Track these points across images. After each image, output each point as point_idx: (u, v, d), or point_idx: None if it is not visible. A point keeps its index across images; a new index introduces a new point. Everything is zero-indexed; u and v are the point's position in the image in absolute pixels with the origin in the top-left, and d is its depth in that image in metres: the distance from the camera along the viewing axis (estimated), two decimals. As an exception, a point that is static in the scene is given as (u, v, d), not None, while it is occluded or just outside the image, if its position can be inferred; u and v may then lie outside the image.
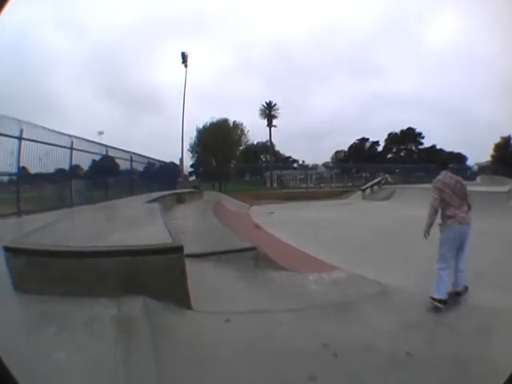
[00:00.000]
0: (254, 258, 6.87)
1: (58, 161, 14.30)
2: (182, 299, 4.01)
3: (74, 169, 15.93)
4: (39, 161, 13.12)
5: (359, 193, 30.26)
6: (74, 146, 15.02)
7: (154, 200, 12.47)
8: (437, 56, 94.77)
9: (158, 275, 4.02)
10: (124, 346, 2.90)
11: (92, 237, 5.04)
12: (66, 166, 15.02)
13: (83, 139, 16.14)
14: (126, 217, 8.70)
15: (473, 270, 5.55)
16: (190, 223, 10.82)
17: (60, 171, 14.91)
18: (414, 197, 19.86)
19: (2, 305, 3.71)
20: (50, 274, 3.89)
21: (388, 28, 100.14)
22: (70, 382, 2.51)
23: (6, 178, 13.61)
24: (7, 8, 2.12)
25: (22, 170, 12.39)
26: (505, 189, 17.85)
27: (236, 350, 3.29)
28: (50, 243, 4.52)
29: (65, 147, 14.50)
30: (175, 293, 4.03)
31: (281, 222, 15.17)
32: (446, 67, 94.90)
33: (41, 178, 14.12)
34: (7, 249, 4.11)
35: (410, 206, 17.22)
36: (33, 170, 13.15)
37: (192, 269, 4.98)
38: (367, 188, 31.00)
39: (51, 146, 13.48)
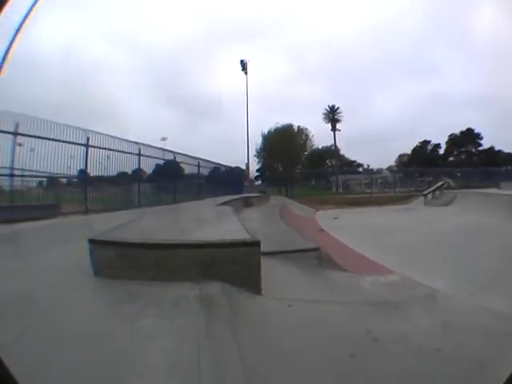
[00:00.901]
0: (317, 258, 7.48)
1: (122, 165, 15.49)
2: (254, 286, 4.75)
3: (139, 173, 17.07)
4: (101, 163, 14.34)
5: (422, 198, 29.68)
6: (141, 153, 16.21)
7: (223, 203, 13.20)
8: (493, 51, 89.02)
9: (236, 265, 4.81)
10: (205, 316, 3.75)
11: (175, 233, 5.93)
12: (130, 170, 16.23)
13: (150, 146, 17.31)
14: (201, 217, 9.60)
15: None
16: (259, 225, 11.50)
17: (123, 174, 16.09)
18: (475, 203, 19.50)
19: (87, 288, 4.65)
20: (139, 262, 4.80)
21: (442, 24, 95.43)
22: (154, 343, 3.19)
23: (71, 180, 15.04)
24: (7, 8, 2.29)
25: (85, 174, 13.62)
26: None
27: (293, 328, 3.98)
28: (139, 237, 5.51)
29: (132, 153, 15.71)
30: (249, 280, 4.78)
31: (345, 226, 15.45)
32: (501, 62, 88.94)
33: (103, 180, 15.38)
34: (93, 241, 5.05)
35: (470, 213, 16.98)
36: (95, 173, 14.40)
37: (262, 264, 5.78)
38: (429, 193, 30.32)
39: (117, 152, 14.75)
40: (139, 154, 16.19)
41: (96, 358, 2.86)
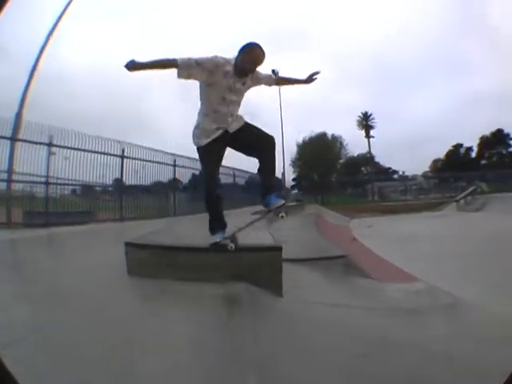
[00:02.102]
0: (344, 265, 7.62)
1: (157, 175, 15.97)
2: (276, 288, 5.00)
3: (174, 182, 17.49)
4: (137, 173, 14.89)
5: (454, 204, 29.38)
6: (176, 163, 16.70)
7: (257, 212, 13.33)
8: None
9: (260, 269, 5.12)
10: (228, 311, 4.16)
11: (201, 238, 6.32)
12: (165, 179, 16.73)
13: (185, 156, 17.81)
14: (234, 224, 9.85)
15: None
16: (292, 233, 11.70)
17: (159, 184, 16.57)
18: (506, 207, 19.58)
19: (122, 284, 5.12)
20: (168, 264, 5.20)
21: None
22: (180, 329, 3.57)
23: (107, 189, 15.66)
24: (7, 8, 2.32)
25: (120, 182, 14.21)
26: None
27: (309, 327, 4.22)
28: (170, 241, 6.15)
29: (168, 164, 16.22)
30: (272, 283, 5.04)
31: (378, 235, 15.59)
32: None
33: (139, 189, 15.89)
34: (128, 244, 5.50)
35: (501, 218, 17.22)
36: (131, 182, 15.00)
37: (288, 270, 6.03)
38: (461, 199, 29.93)
39: (154, 163, 15.32)
40: (174, 165, 16.70)
41: (125, 339, 3.24)
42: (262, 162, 4.90)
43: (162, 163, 16.35)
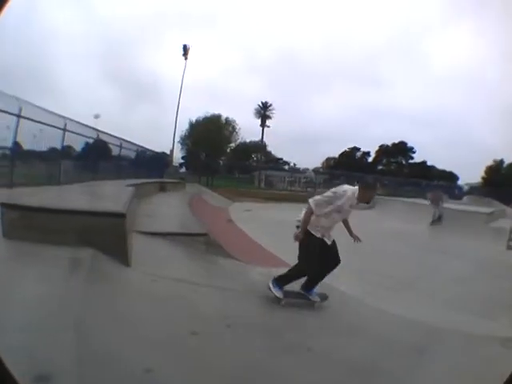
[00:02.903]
0: (207, 243, 7.39)
1: (51, 140, 14.64)
2: (123, 257, 4.81)
3: (66, 149, 16.26)
4: (33, 138, 13.54)
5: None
6: (67, 128, 15.32)
7: (135, 185, 12.79)
8: (440, 74, 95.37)
9: (106, 235, 4.85)
10: (73, 277, 3.77)
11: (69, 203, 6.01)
12: (59, 146, 15.42)
13: (77, 122, 16.42)
14: (103, 194, 9.42)
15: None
16: (163, 209, 11.41)
17: (52, 150, 15.28)
18: (393, 208, 21.81)
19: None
20: (34, 225, 4.81)
21: (396, 43, 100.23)
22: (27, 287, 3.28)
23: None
24: (7, 8, 2.29)
25: (16, 146, 12.80)
26: (488, 210, 18.69)
27: (147, 299, 4.05)
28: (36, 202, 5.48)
29: (58, 128, 14.83)
30: (118, 251, 4.82)
31: (255, 219, 15.72)
32: (449, 86, 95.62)
33: (33, 154, 14.55)
34: (2, 205, 5.01)
35: (386, 217, 19.23)
36: (26, 146, 13.62)
37: (144, 242, 6.15)
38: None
39: (46, 126, 13.88)
40: (64, 130, 15.29)
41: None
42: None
43: (54, 127, 14.77)
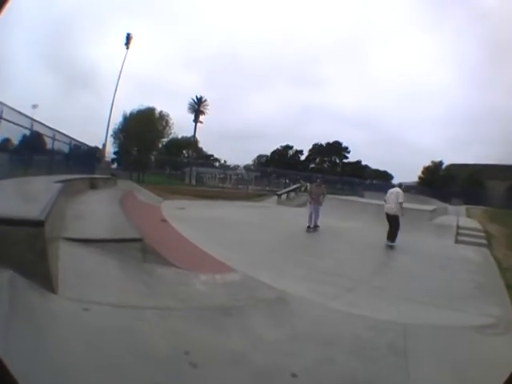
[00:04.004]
0: (143, 250, 6.54)
1: None
2: (45, 280, 3.72)
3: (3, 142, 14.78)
4: None
5: (275, 197, 30.37)
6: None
7: (65, 181, 11.55)
8: (382, 79, 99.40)
9: (20, 249, 3.67)
10: None
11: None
12: None
13: (13, 109, 14.63)
14: (24, 192, 8.25)
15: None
16: (92, 209, 10.32)
17: None
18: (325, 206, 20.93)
19: None
20: None
21: (339, 46, 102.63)
22: None
23: None
24: (7, 8, 2.28)
25: None
26: (430, 208, 19.01)
27: (82, 338, 3.07)
28: None
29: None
30: (40, 272, 3.71)
31: (190, 218, 14.85)
32: (386, 90, 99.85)
33: None
34: None
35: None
36: None
37: (73, 253, 5.16)
38: (283, 193, 31.29)
39: None
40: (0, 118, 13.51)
41: None
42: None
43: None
